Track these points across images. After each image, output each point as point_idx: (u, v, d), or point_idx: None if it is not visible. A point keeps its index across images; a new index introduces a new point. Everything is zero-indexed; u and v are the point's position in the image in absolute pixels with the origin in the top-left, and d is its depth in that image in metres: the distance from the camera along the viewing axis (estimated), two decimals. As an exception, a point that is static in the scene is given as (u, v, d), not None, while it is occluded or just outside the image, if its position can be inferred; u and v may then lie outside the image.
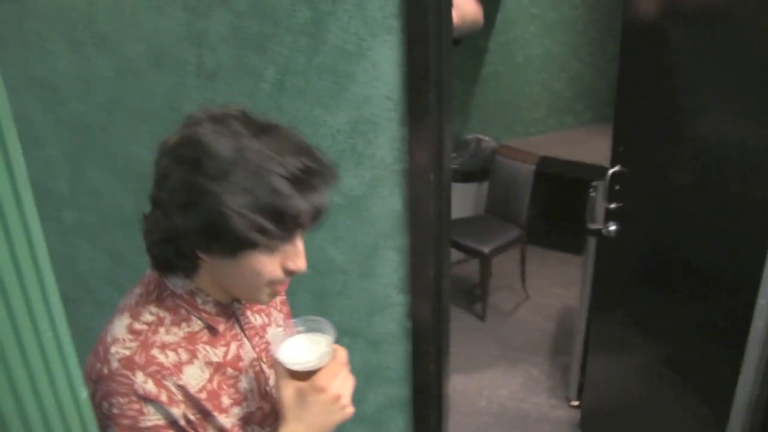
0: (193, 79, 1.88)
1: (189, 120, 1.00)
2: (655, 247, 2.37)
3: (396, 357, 1.99)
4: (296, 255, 1.06)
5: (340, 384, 1.08)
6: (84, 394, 0.54)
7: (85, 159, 2.16)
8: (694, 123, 2.05)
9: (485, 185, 4.55)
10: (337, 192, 1.82)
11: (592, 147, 4.47)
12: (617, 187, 2.49)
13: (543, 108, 5.25)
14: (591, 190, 3.01)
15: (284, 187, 0.94)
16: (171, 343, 1.05)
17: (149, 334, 1.04)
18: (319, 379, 1.05)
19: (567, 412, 3.27)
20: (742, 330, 1.82)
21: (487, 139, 4.91)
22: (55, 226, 2.31)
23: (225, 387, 1.11)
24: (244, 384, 1.15)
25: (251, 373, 1.17)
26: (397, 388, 2.05)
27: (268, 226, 0.95)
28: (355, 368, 2.01)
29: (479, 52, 5.02)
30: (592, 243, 2.88)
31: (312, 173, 0.97)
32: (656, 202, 2.32)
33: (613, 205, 2.50)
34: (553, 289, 4.46)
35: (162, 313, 1.07)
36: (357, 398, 2.04)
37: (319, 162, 0.99)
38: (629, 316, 2.62)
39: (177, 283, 1.08)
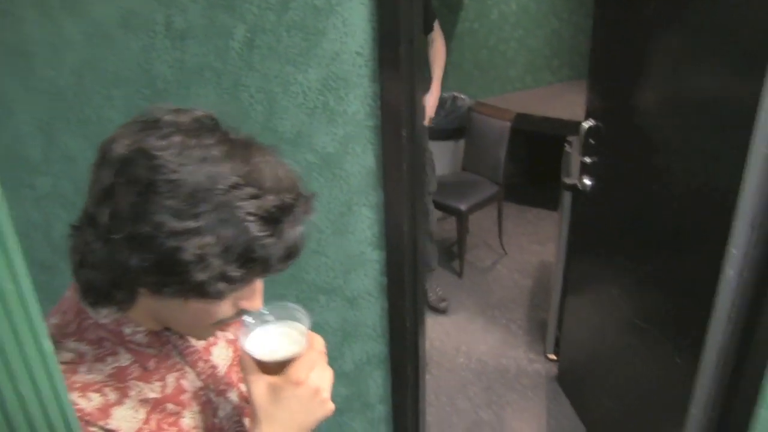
0: (163, 40, 1.86)
1: (144, 122, 0.82)
2: (629, 200, 2.40)
3: (373, 313, 2.02)
4: (252, 295, 0.92)
5: (319, 375, 0.94)
6: (49, 346, 0.55)
7: (58, 125, 2.13)
8: (666, 78, 2.06)
9: (462, 143, 4.56)
10: (310, 149, 1.82)
11: (569, 103, 4.48)
12: (592, 142, 2.51)
13: (519, 65, 5.24)
14: (566, 145, 3.04)
15: (258, 227, 0.79)
16: (94, 383, 0.88)
17: (68, 375, 0.87)
18: (294, 371, 0.92)
19: (545, 366, 3.34)
20: (713, 280, 1.85)
21: (463, 96, 4.91)
22: (30, 194, 2.29)
23: (166, 426, 0.95)
24: (187, 420, 0.99)
25: (196, 406, 1.01)
26: (374, 345, 2.08)
27: (234, 273, 0.80)
28: (333, 325, 2.05)
29: (454, 9, 4.98)
30: (567, 198, 2.91)
31: (290, 210, 0.83)
32: (629, 155, 2.34)
33: (588, 160, 2.52)
34: (530, 245, 4.51)
35: (83, 348, 0.90)
36: (334, 355, 2.08)
37: (299, 195, 0.85)
38: (604, 269, 2.66)
39: (102, 311, 0.91)
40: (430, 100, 3.49)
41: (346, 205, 1.88)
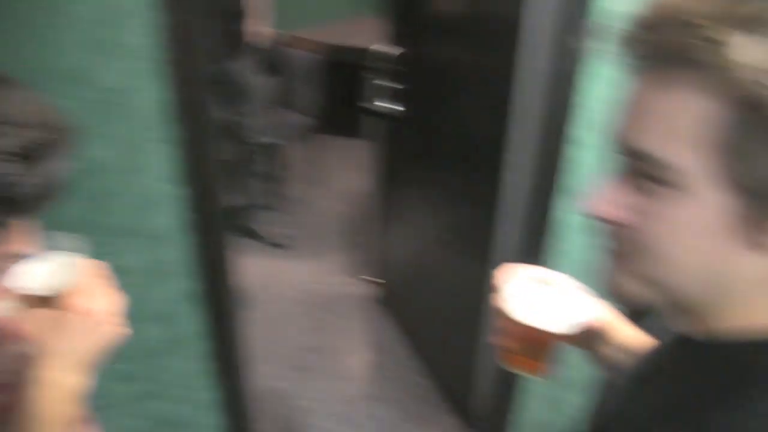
0: None
1: None
2: (434, 123, 2.51)
3: (181, 250, 1.99)
4: (18, 237, 0.86)
5: (97, 301, 0.94)
6: None
7: None
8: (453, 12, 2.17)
9: (273, 79, 4.50)
10: (92, 87, 1.73)
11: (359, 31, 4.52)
12: (400, 69, 2.59)
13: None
14: (368, 73, 3.11)
15: (4, 166, 0.75)
16: None
17: None
18: (68, 300, 0.92)
19: (369, 289, 3.47)
20: (496, 190, 2.01)
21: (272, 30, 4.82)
22: None
23: None
24: None
25: None
26: (187, 282, 2.06)
27: None
28: (140, 266, 2.00)
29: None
30: (377, 124, 2.98)
31: (41, 146, 0.79)
32: (430, 81, 2.44)
33: (394, 86, 2.60)
34: (348, 174, 4.60)
35: None
36: (146, 297, 2.04)
37: (52, 129, 0.81)
38: (417, 191, 2.79)
39: None
40: None
41: (142, 142, 1.82)
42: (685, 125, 0.58)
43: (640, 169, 0.62)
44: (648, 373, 0.76)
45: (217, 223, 1.97)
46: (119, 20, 1.65)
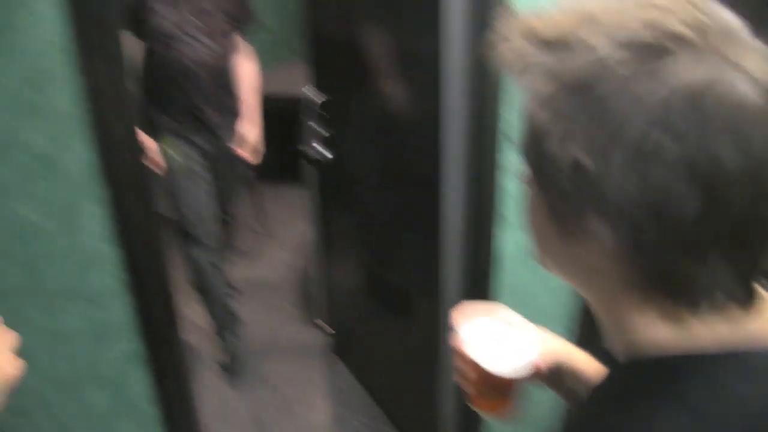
0: None
1: None
2: (362, 167, 2.54)
3: (121, 311, 1.95)
4: None
5: None
6: None
7: None
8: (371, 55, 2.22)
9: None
10: (21, 150, 1.71)
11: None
12: (326, 115, 2.62)
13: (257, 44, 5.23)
14: (307, 120, 3.14)
15: None
16: None
17: None
18: None
19: (319, 337, 3.43)
20: (436, 227, 2.04)
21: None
22: None
23: None
24: None
25: None
26: (129, 344, 2.01)
27: None
28: (80, 329, 1.95)
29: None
30: (311, 171, 2.99)
31: None
32: (355, 126, 2.49)
33: (325, 132, 2.62)
34: (292, 222, 4.57)
35: None
36: (90, 360, 1.99)
37: None
38: (354, 233, 2.80)
39: None
40: (251, 133, 3.06)
41: (72, 204, 1.79)
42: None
43: None
44: (587, 399, 0.77)
45: (155, 281, 1.94)
46: (45, 83, 1.65)
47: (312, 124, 2.67)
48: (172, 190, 2.86)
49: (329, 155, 2.65)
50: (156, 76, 2.77)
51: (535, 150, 0.61)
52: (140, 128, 2.55)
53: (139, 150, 1.80)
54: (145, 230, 1.85)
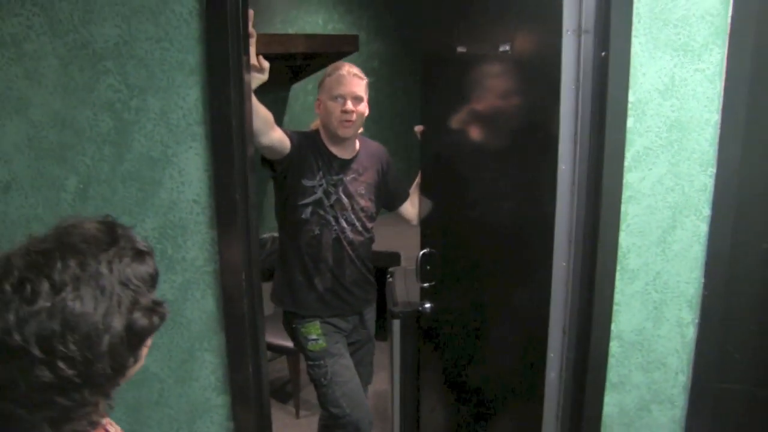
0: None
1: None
2: (463, 316, 2.55)
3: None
4: None
5: None
6: None
7: None
8: (476, 209, 2.30)
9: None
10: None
11: (383, 236, 4.64)
12: (428, 268, 2.66)
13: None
14: (388, 276, 3.20)
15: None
16: None
17: None
18: None
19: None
20: (539, 383, 2.01)
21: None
22: None
23: None
24: None
25: None
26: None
27: None
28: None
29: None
30: (396, 325, 2.99)
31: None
32: (460, 277, 2.52)
33: (426, 285, 2.65)
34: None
35: None
36: None
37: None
38: (449, 391, 2.76)
39: None
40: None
41: (188, 352, 1.85)
42: None
43: None
44: None
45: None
46: (181, 237, 1.76)
47: (397, 278, 2.68)
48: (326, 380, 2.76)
49: (428, 305, 2.66)
50: (308, 253, 2.70)
51: None
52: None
53: (256, 301, 1.86)
54: (255, 379, 1.88)
